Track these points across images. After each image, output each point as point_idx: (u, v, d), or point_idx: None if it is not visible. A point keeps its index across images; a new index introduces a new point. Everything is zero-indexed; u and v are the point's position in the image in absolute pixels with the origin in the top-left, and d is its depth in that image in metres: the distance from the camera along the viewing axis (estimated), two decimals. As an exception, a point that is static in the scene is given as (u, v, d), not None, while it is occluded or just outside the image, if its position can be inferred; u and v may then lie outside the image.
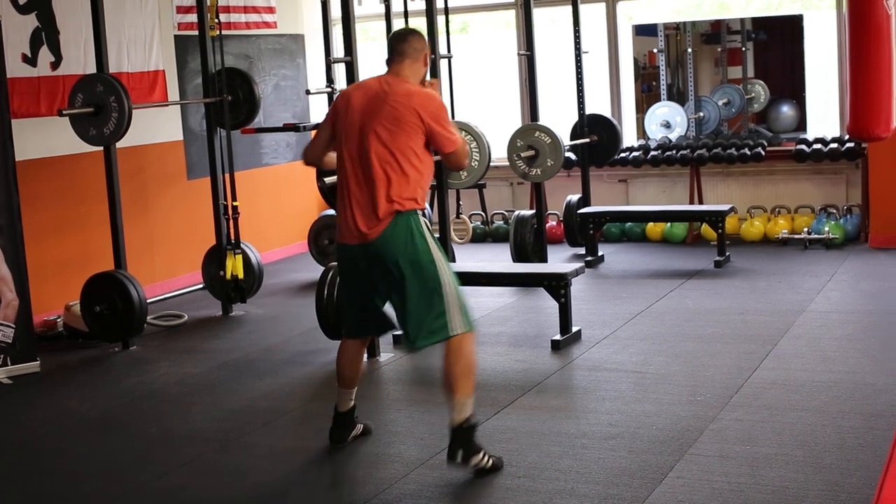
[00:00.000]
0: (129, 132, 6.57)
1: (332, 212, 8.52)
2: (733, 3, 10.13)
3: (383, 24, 7.86)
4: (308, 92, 7.73)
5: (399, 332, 6.29)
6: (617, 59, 9.78)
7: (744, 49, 10.02)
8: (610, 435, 4.57)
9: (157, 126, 8.20)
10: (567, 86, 9.10)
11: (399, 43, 4.33)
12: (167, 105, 8.21)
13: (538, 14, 8.62)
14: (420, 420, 5.04)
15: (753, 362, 5.49)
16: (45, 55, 7.27)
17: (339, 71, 8.43)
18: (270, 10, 9.44)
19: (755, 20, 9.98)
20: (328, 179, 5.98)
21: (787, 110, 9.91)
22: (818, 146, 8.97)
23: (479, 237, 9.72)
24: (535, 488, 4.08)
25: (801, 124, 9.66)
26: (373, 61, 7.26)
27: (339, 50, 7.92)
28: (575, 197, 8.98)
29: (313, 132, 4.93)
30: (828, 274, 7.55)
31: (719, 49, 10.10)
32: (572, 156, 9.24)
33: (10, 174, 6.08)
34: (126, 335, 6.61)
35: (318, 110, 9.55)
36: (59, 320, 7.02)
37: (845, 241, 8.57)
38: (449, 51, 7.79)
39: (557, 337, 6.05)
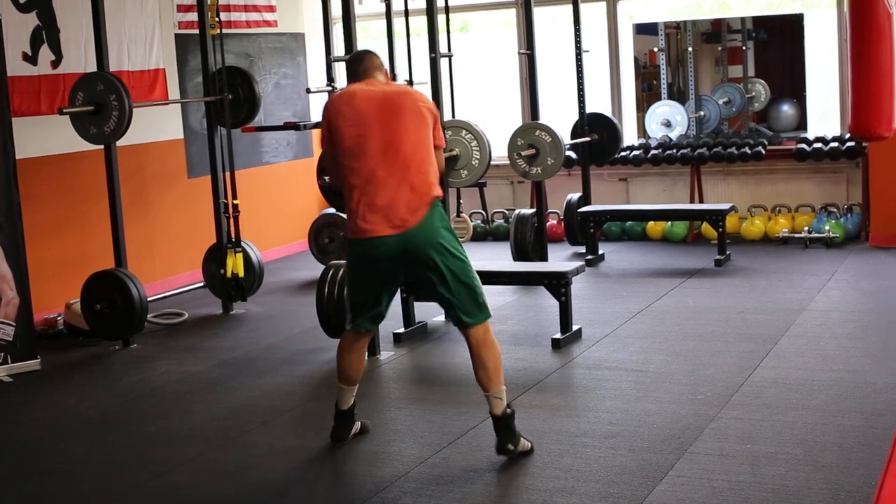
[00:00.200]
0: (129, 131, 6.56)
1: (332, 210, 8.52)
2: (734, 3, 10.13)
3: (384, 22, 7.86)
4: (308, 90, 7.75)
5: (400, 331, 6.31)
6: (617, 58, 9.79)
7: (744, 48, 10.01)
8: (610, 433, 4.57)
9: (157, 125, 8.20)
10: (567, 85, 9.10)
11: (361, 62, 4.53)
12: (168, 104, 8.21)
13: (539, 13, 8.62)
14: (420, 418, 5.04)
15: (754, 361, 5.49)
16: (45, 54, 7.27)
17: (340, 69, 8.44)
18: (271, 8, 9.44)
19: (756, 19, 9.97)
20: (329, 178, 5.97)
21: (787, 109, 9.90)
22: (819, 145, 8.96)
23: (480, 236, 9.72)
24: (536, 486, 4.08)
25: (802, 123, 9.65)
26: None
27: (339, 48, 7.93)
28: (575, 196, 8.98)
29: (313, 130, 4.97)
30: (828, 273, 7.55)
31: (720, 48, 10.08)
32: (573, 154, 9.24)
33: (11, 173, 6.08)
34: (126, 333, 6.61)
35: (319, 109, 9.53)
36: (59, 318, 7.02)
37: (846, 240, 8.57)
38: (449, 50, 7.79)
39: (558, 335, 6.05)
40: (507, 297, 7.32)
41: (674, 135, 9.67)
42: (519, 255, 7.94)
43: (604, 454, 4.34)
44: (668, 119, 9.74)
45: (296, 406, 5.35)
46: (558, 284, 6.09)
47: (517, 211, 8.23)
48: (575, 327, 6.17)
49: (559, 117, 8.77)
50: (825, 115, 9.35)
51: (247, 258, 7.43)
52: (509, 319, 6.76)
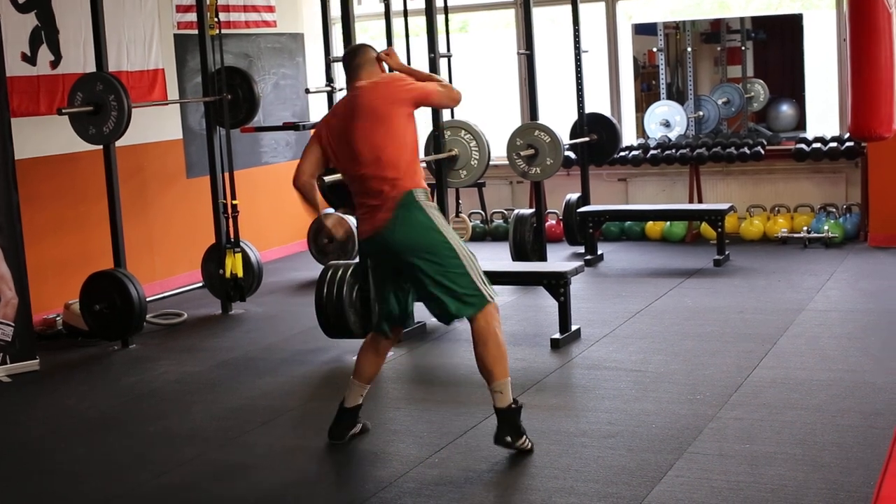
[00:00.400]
0: (128, 131, 6.56)
1: (331, 210, 8.51)
2: (733, 3, 10.13)
3: (383, 22, 7.86)
4: (307, 91, 7.75)
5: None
6: (616, 59, 9.79)
7: (743, 48, 10.01)
8: (609, 433, 4.57)
9: (156, 125, 8.19)
10: (567, 85, 9.10)
11: (351, 61, 4.58)
12: (167, 104, 8.21)
13: (538, 13, 8.62)
14: (419, 418, 5.04)
15: (753, 361, 5.49)
16: (44, 54, 7.27)
17: (339, 70, 8.44)
18: (270, 9, 9.44)
19: (755, 19, 9.98)
20: (328, 178, 5.98)
21: (786, 109, 9.90)
22: (818, 145, 8.96)
23: (479, 236, 9.72)
24: (535, 486, 4.09)
25: (801, 123, 9.65)
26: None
27: (338, 49, 7.93)
28: (574, 196, 8.98)
29: (312, 131, 5.01)
30: (827, 273, 7.56)
31: (719, 48, 10.09)
32: (572, 154, 9.24)
33: (10, 173, 6.08)
34: (125, 334, 6.61)
35: (318, 109, 9.54)
36: (58, 319, 7.02)
37: (845, 240, 8.58)
38: (448, 50, 7.79)
39: (557, 335, 6.06)
40: (507, 298, 7.32)
41: (673, 135, 9.67)
42: (518, 256, 7.94)
43: (603, 454, 4.34)
44: (667, 119, 9.74)
45: (296, 406, 5.35)
46: (557, 284, 6.09)
47: (516, 211, 8.24)
48: (574, 327, 6.17)
49: (558, 117, 8.78)
50: (824, 115, 9.35)
51: (246, 258, 7.43)
52: (508, 319, 6.75)
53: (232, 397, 5.52)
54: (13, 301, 6.10)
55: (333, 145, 4.50)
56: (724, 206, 8.27)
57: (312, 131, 4.88)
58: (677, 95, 9.97)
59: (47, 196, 7.32)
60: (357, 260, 6.18)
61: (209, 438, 4.89)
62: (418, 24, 8.36)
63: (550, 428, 4.69)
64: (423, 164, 7.20)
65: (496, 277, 6.68)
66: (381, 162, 4.35)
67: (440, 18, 7.12)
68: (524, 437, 4.36)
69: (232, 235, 7.29)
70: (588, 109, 8.94)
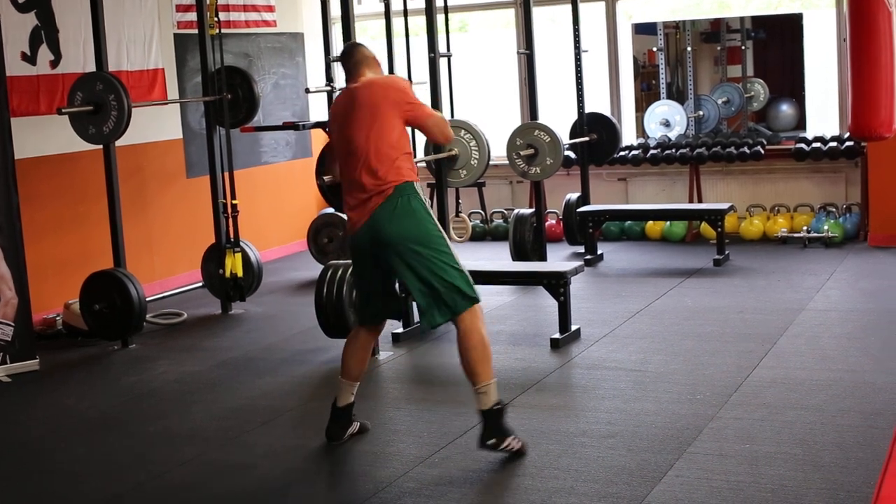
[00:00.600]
0: (128, 130, 6.56)
1: (331, 210, 8.52)
2: (733, 2, 10.13)
3: (383, 22, 7.86)
4: (307, 90, 7.73)
5: (399, 331, 6.32)
6: (616, 58, 9.79)
7: (743, 48, 10.02)
8: (609, 433, 4.57)
9: (156, 124, 8.19)
10: (566, 84, 9.10)
11: (349, 59, 4.61)
12: (166, 103, 8.21)
13: (537, 13, 8.62)
14: (419, 418, 5.04)
15: (752, 361, 5.49)
16: (44, 53, 7.26)
17: (339, 69, 8.43)
18: (270, 8, 9.44)
19: (755, 19, 9.98)
20: (327, 178, 5.98)
21: (786, 109, 9.90)
22: (817, 145, 8.96)
23: (479, 236, 9.72)
24: (535, 486, 4.08)
25: (801, 123, 9.66)
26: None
27: (338, 48, 7.92)
28: (574, 195, 8.99)
29: (312, 130, 5.05)
30: (827, 272, 7.56)
31: (719, 48, 10.09)
32: (572, 154, 9.24)
33: (10, 173, 6.08)
34: (125, 333, 6.61)
35: (318, 109, 9.54)
36: (58, 318, 7.02)
37: (844, 240, 8.58)
38: (448, 49, 7.79)
39: (557, 335, 6.06)
40: (506, 297, 7.32)
41: (673, 134, 9.67)
42: (518, 255, 7.94)
43: (602, 454, 4.34)
44: (667, 119, 9.74)
45: (296, 406, 5.35)
46: (557, 284, 6.09)
47: (516, 211, 8.24)
48: (574, 327, 6.17)
49: (558, 117, 8.78)
50: (824, 115, 9.35)
51: (245, 258, 7.43)
52: (508, 319, 6.76)
53: (232, 397, 5.52)
54: (13, 301, 6.10)
55: (334, 137, 4.56)
56: (724, 206, 8.27)
57: (318, 131, 4.96)
58: (677, 95, 9.97)
59: (47, 196, 7.32)
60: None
61: (209, 438, 4.89)
62: (418, 23, 8.36)
63: (550, 428, 4.69)
64: (423, 164, 7.21)
65: (496, 277, 6.72)
66: (380, 153, 4.37)
67: (440, 18, 7.12)
68: (510, 437, 4.31)
69: (232, 235, 7.28)
70: (588, 109, 8.94)
